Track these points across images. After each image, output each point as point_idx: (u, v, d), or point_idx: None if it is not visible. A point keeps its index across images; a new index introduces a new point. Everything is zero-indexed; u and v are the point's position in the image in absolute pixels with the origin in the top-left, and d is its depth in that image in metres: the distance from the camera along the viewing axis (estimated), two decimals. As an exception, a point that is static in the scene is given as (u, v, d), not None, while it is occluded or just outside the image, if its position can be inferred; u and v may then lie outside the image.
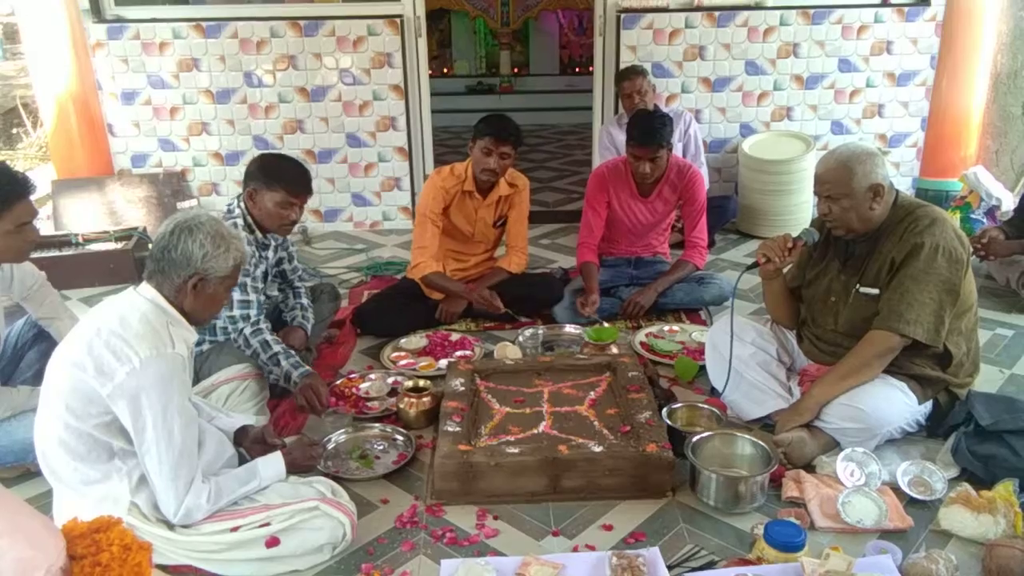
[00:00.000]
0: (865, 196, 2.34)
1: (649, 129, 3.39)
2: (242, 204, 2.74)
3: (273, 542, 1.93)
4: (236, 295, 2.64)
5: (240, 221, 2.72)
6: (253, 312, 2.70)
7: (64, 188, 4.75)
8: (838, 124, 5.03)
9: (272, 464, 2.08)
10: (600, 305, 3.54)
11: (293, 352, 2.70)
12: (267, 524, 1.93)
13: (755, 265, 2.56)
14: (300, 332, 2.95)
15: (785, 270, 2.61)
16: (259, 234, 2.78)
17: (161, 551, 1.88)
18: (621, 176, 3.59)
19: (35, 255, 2.86)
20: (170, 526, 1.91)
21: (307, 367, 2.67)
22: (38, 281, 2.72)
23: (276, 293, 3.11)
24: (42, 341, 2.71)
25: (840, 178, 2.35)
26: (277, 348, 2.66)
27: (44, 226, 4.59)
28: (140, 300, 1.92)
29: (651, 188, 3.59)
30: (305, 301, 3.08)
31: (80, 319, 2.84)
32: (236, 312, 2.68)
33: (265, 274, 2.87)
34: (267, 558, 1.94)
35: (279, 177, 2.69)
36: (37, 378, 2.56)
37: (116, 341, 1.83)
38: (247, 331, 2.67)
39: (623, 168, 3.58)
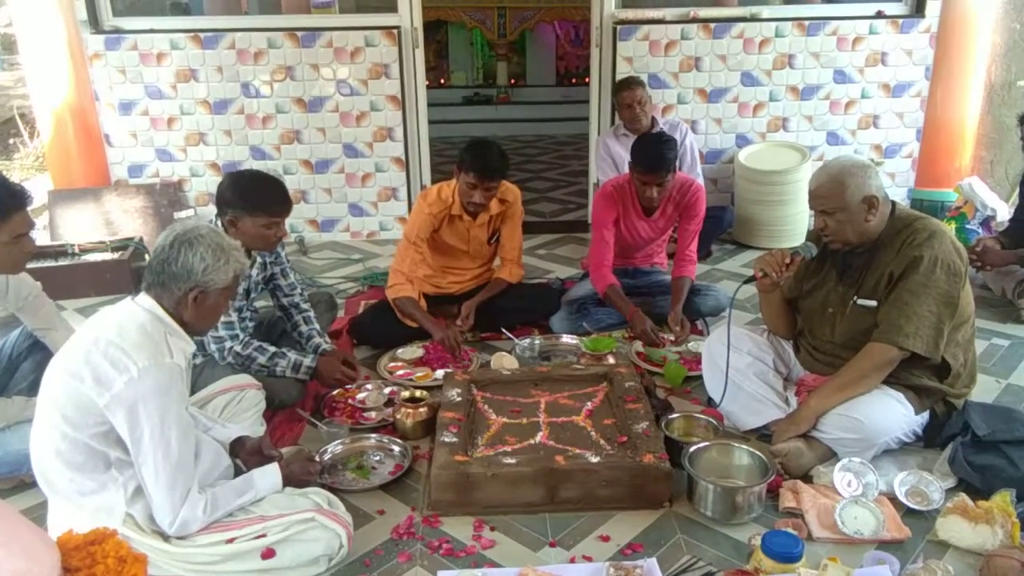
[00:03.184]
0: (860, 209, 2.35)
1: (656, 156, 3.28)
2: (219, 226, 2.65)
3: (269, 554, 1.92)
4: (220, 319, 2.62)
5: None
6: (238, 330, 2.73)
7: (61, 198, 4.74)
8: (833, 135, 5.05)
9: (269, 476, 2.07)
10: (596, 316, 3.55)
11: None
12: (263, 536, 1.92)
13: (752, 279, 2.56)
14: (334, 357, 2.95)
15: (782, 282, 2.62)
16: None
17: (156, 563, 1.87)
18: (626, 195, 3.53)
19: (31, 265, 2.86)
20: (165, 538, 1.90)
21: (316, 349, 2.82)
22: (33, 291, 2.71)
23: (270, 302, 3.10)
24: (37, 352, 2.70)
25: (833, 192, 2.36)
26: (273, 348, 2.75)
27: (40, 236, 4.58)
28: (138, 310, 1.92)
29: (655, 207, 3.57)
30: (318, 327, 3.05)
31: (75, 329, 2.84)
32: (222, 332, 2.69)
33: (248, 291, 2.86)
34: (262, 570, 1.93)
35: (260, 203, 2.62)
36: (32, 389, 2.56)
37: (114, 351, 1.82)
38: (237, 348, 2.69)
39: (627, 187, 3.51)
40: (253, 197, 2.63)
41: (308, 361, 2.77)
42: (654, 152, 3.30)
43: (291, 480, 2.12)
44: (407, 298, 3.36)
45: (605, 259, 3.53)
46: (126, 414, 1.80)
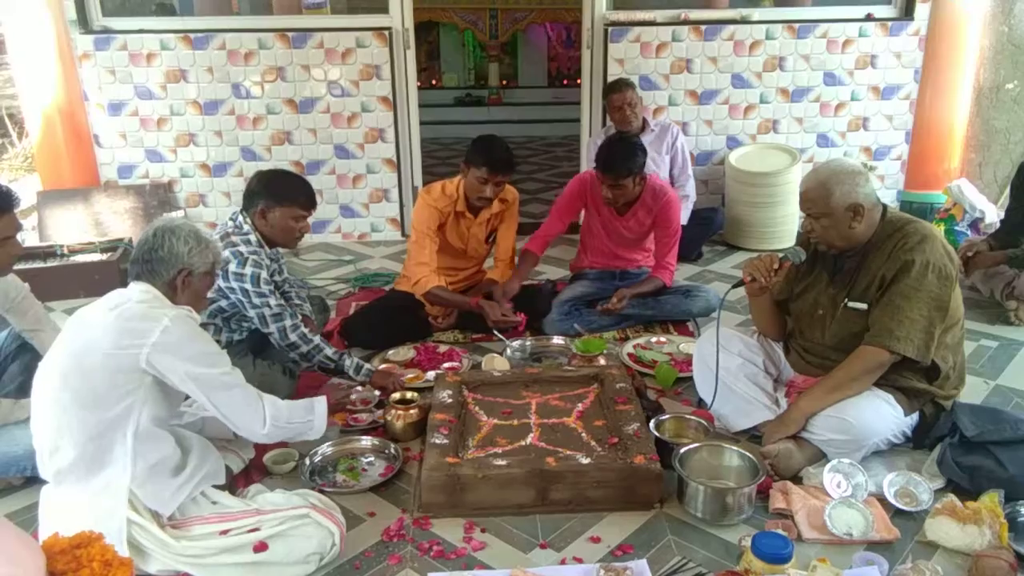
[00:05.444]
0: (844, 215, 2.36)
1: (612, 157, 3.36)
2: (249, 221, 2.81)
3: (261, 547, 1.93)
4: (272, 300, 2.75)
5: (253, 237, 2.80)
6: (290, 310, 2.83)
7: (49, 199, 4.71)
8: (823, 137, 5.07)
9: (322, 402, 2.25)
10: (588, 317, 3.55)
11: None
12: (256, 529, 1.94)
13: (740, 283, 2.57)
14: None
15: (771, 287, 2.62)
16: (267, 248, 2.85)
17: (152, 554, 1.90)
18: (599, 186, 3.57)
19: (19, 266, 2.85)
20: (161, 526, 1.92)
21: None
22: (21, 293, 2.70)
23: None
24: (25, 353, 2.68)
25: (819, 197, 2.37)
26: (333, 347, 2.86)
27: (29, 237, 4.56)
28: (135, 292, 2.01)
29: (625, 208, 3.60)
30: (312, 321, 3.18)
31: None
32: (277, 309, 2.76)
33: (277, 285, 3.01)
34: (253, 563, 1.93)
35: (290, 195, 2.79)
36: (20, 391, 2.54)
37: (139, 309, 1.95)
38: (304, 329, 2.80)
39: None
40: (285, 189, 2.81)
41: (369, 365, 2.86)
42: (610, 154, 3.39)
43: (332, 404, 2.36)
44: (437, 287, 3.41)
45: (547, 233, 3.71)
46: (171, 358, 1.92)
